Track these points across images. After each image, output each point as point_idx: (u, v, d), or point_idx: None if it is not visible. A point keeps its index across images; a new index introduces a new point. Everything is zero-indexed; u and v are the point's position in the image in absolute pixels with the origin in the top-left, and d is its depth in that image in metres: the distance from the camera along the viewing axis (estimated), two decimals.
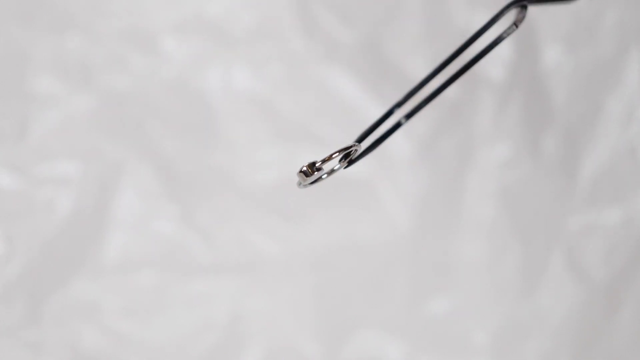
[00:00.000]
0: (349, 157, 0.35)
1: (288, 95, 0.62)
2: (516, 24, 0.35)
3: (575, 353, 0.61)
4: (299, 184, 0.34)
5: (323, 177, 0.35)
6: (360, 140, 0.36)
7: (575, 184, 0.62)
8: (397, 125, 0.37)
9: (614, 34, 0.62)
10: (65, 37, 0.60)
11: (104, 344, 0.60)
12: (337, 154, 0.34)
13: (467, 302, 0.62)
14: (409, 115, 0.38)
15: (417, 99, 0.38)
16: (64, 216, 0.60)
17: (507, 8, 0.36)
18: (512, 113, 0.62)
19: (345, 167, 0.36)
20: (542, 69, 0.62)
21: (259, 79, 0.62)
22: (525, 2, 0.36)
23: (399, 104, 0.38)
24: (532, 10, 0.62)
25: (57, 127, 0.60)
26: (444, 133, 0.62)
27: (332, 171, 0.35)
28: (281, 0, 0.62)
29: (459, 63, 0.37)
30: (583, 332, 0.61)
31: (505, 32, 0.35)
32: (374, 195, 0.62)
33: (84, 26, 0.60)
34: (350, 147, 0.34)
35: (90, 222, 0.60)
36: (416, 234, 0.62)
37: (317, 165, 0.34)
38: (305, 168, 0.34)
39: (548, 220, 0.62)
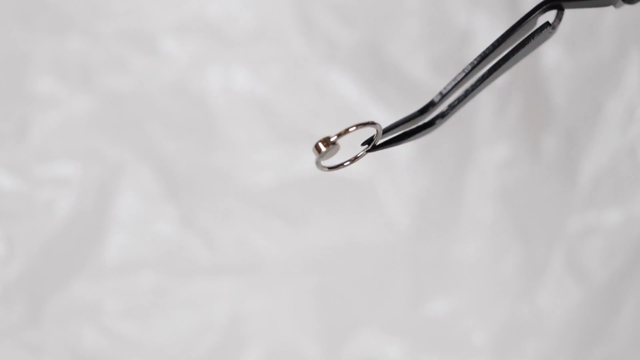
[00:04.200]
0: (372, 141, 0.34)
1: (288, 96, 0.62)
2: (553, 26, 0.34)
3: (575, 353, 0.61)
4: (317, 163, 0.33)
5: (345, 164, 0.34)
6: (385, 131, 0.34)
7: (575, 184, 0.62)
8: (431, 124, 0.36)
9: (614, 34, 0.62)
10: (65, 38, 0.60)
11: (104, 345, 0.60)
12: (354, 128, 0.32)
13: (467, 302, 0.61)
14: (443, 115, 0.36)
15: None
16: (64, 217, 0.60)
17: (539, 8, 0.34)
18: (512, 113, 0.62)
19: (368, 151, 0.35)
20: (542, 69, 0.62)
21: (259, 80, 0.62)
22: (559, 2, 0.34)
23: (425, 111, 0.35)
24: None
25: (57, 128, 0.60)
26: (444, 133, 0.62)
27: (355, 158, 0.34)
28: (281, 1, 0.62)
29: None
30: (583, 332, 0.61)
31: (543, 36, 0.34)
32: (373, 196, 0.62)
33: (84, 27, 0.60)
34: (368, 123, 0.33)
35: (90, 223, 0.60)
36: (416, 234, 0.62)
37: (332, 139, 0.33)
38: (319, 143, 0.33)
39: (548, 221, 0.62)
